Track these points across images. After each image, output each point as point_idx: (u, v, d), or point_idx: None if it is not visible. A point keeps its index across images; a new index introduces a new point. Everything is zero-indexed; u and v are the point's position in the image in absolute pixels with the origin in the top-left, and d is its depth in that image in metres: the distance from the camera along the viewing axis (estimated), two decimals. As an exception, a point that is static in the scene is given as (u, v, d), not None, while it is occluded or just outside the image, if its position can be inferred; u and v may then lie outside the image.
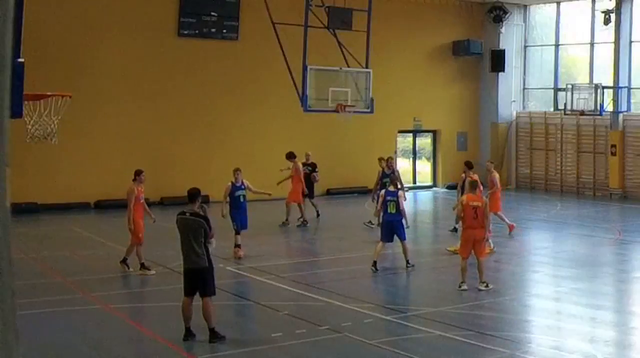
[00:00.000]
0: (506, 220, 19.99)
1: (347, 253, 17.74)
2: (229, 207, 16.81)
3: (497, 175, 19.75)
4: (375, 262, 15.37)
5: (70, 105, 13.64)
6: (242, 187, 16.92)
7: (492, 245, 17.11)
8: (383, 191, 16.01)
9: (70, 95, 13.41)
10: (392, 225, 15.45)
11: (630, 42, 28.70)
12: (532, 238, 21.34)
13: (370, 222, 20.69)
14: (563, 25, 31.67)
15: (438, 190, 31.93)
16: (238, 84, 27.36)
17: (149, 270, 15.15)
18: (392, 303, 13.03)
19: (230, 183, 16.88)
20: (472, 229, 13.92)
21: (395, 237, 15.52)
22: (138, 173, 15.49)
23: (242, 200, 16.88)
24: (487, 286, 13.82)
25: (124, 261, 15.24)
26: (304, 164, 22.39)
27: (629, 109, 29.11)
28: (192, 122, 26.58)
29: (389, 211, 15.49)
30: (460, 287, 13.83)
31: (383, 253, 15.90)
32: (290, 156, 21.68)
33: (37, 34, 21.82)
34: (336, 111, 20.59)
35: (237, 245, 16.77)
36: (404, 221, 15.49)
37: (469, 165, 18.46)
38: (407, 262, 15.64)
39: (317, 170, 22.56)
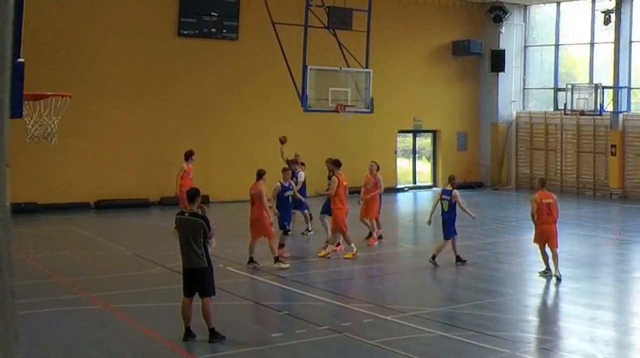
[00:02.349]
0: (376, 232, 18.69)
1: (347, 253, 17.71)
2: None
3: (380, 177, 18.90)
4: (434, 256, 15.92)
5: (70, 105, 13.61)
6: (290, 187, 17.11)
7: (354, 250, 16.76)
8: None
9: (70, 95, 13.38)
10: (444, 223, 16.09)
11: (630, 42, 28.71)
12: (532, 239, 21.29)
13: (307, 230, 19.94)
14: (563, 25, 31.67)
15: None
16: (238, 84, 27.36)
17: (257, 263, 15.71)
18: (392, 303, 13.02)
19: (279, 184, 16.90)
20: (547, 224, 14.81)
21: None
22: (261, 174, 15.98)
23: (290, 200, 17.08)
24: (558, 277, 14.64)
25: (277, 260, 15.67)
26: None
27: (629, 109, 29.11)
28: (192, 122, 26.58)
29: (443, 209, 16.09)
30: (547, 272, 14.83)
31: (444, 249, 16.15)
32: (185, 155, 20.44)
33: (37, 34, 21.84)
34: (336, 111, 20.57)
35: (282, 245, 16.83)
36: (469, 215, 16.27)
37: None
38: (458, 258, 16.13)
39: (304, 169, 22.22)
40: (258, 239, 15.78)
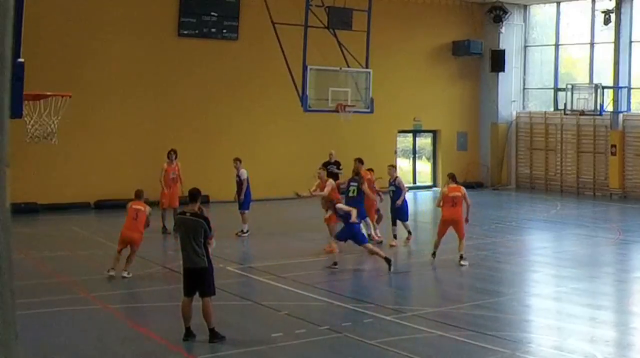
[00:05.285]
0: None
1: (348, 254, 17.71)
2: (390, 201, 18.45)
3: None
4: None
5: (70, 104, 13.62)
6: (394, 183, 18.60)
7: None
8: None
9: (70, 95, 13.39)
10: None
11: (630, 42, 28.71)
12: (532, 238, 21.34)
13: (242, 231, 19.60)
14: (563, 25, 31.69)
15: (438, 190, 31.91)
16: (238, 84, 27.35)
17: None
18: (392, 303, 13.02)
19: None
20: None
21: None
22: (452, 175, 17.27)
23: (391, 195, 18.47)
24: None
25: (461, 258, 16.24)
26: (327, 163, 22.24)
27: (629, 109, 29.12)
28: (192, 122, 26.58)
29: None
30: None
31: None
32: (169, 155, 20.45)
33: (37, 33, 21.83)
34: (336, 111, 20.59)
35: (394, 235, 18.30)
36: None
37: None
38: None
39: (341, 168, 22.30)
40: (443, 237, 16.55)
